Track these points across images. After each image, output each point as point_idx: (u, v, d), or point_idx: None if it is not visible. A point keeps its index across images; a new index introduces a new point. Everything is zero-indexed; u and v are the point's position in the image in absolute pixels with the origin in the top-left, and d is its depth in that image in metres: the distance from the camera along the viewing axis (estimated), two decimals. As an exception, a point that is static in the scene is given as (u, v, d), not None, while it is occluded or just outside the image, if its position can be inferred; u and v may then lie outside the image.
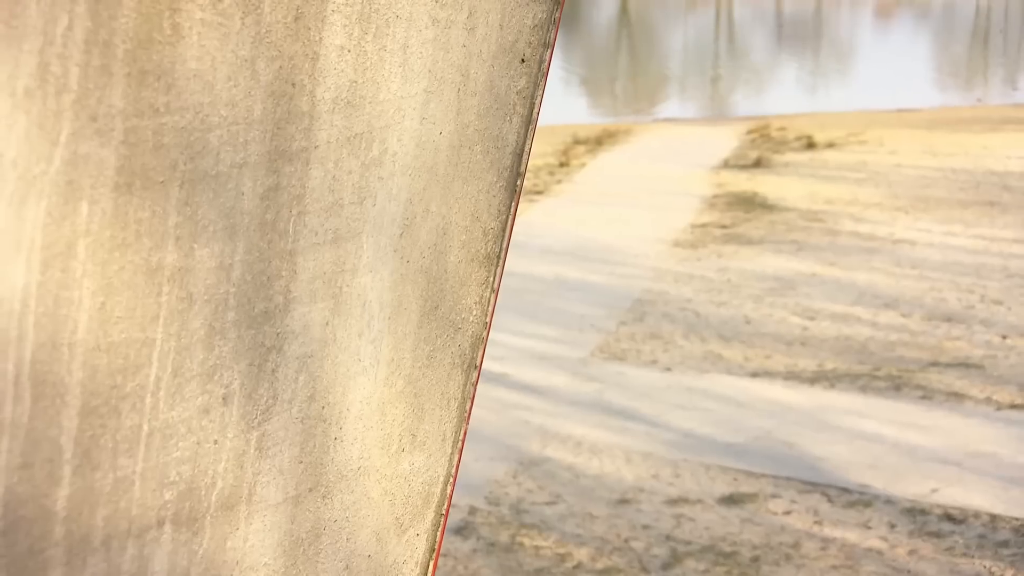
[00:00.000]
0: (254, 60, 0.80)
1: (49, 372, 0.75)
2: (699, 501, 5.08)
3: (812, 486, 5.20)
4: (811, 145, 14.70)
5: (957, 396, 6.18)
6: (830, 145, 14.66)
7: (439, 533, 1.08)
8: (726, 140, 15.71)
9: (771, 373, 6.71)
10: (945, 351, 6.99)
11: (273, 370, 0.89)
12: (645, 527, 4.81)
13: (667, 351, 7.18)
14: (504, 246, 1.03)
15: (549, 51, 1.03)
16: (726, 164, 13.74)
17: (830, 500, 5.08)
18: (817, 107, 20.59)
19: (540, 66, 1.02)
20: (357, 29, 0.86)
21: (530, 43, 1.01)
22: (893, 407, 6.00)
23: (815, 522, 4.90)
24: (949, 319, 7.58)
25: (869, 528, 4.84)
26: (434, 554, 1.08)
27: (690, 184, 12.51)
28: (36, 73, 0.70)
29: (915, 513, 4.95)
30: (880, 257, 9.23)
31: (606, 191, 12.28)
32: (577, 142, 14.97)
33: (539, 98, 1.03)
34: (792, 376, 6.64)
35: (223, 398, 0.85)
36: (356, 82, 0.87)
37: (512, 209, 1.04)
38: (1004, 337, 7.20)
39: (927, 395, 6.18)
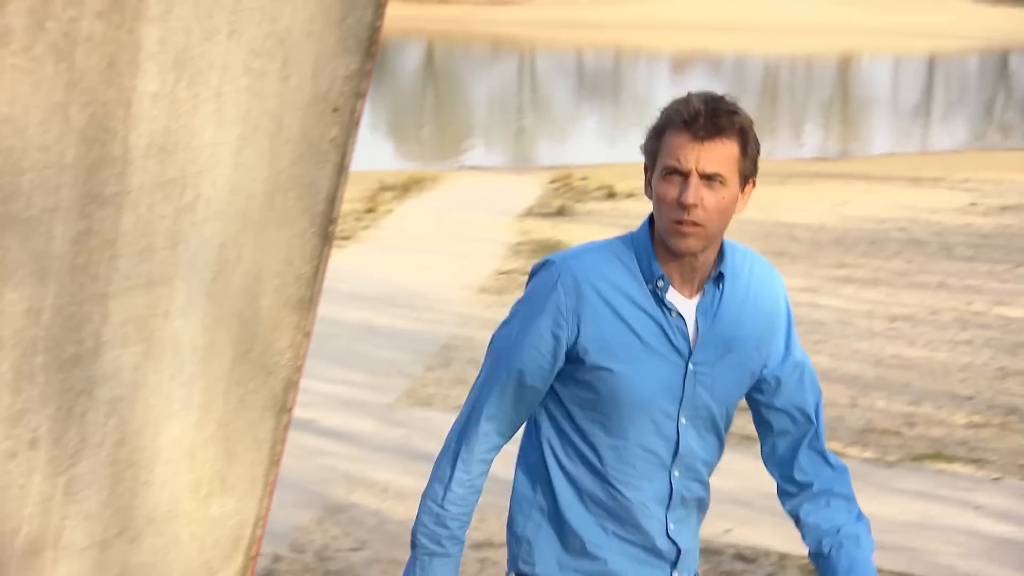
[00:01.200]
0: (67, 105, 0.80)
1: None
2: (503, 545, 5.11)
3: (613, 527, 5.29)
4: (612, 195, 15.05)
5: (750, 439, 6.39)
6: (630, 195, 15.03)
7: (249, 576, 1.08)
8: (530, 188, 15.95)
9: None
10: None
11: (82, 414, 0.88)
12: (451, 571, 4.81)
13: (473, 396, 7.23)
14: (316, 290, 1.05)
15: (361, 100, 1.05)
16: (530, 212, 13.95)
17: (631, 541, 5.18)
18: (617, 158, 21.10)
19: (352, 115, 1.05)
20: (171, 76, 0.87)
21: (343, 92, 1.03)
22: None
23: (616, 562, 4.98)
24: (742, 364, 7.85)
25: (668, 567, 4.95)
26: (243, 598, 1.08)
27: (495, 231, 12.66)
28: None
29: (709, 553, 5.09)
30: (678, 304, 9.50)
31: (413, 237, 12.32)
32: (384, 188, 14.98)
33: (351, 146, 1.05)
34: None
35: (30, 442, 0.84)
36: (170, 128, 0.88)
37: (324, 254, 1.05)
38: (793, 381, 7.49)
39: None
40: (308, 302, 1.04)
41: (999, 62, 48.46)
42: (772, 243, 11.87)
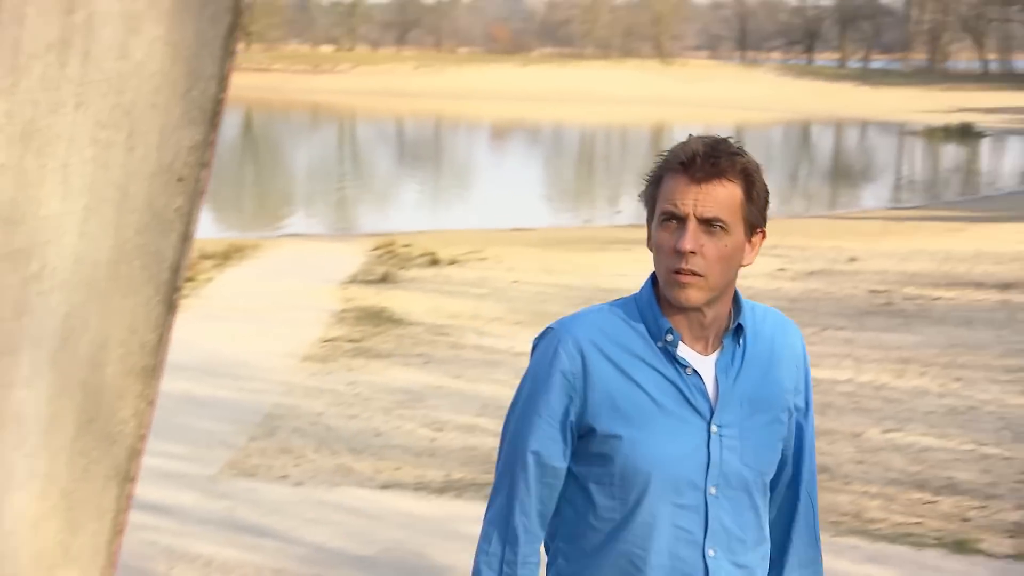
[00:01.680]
0: (-86, 175, 0.80)
1: None
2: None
3: (443, 594, 5.29)
4: (435, 261, 15.15)
5: (575, 500, 6.48)
6: (453, 262, 15.15)
7: (91, 649, 1.07)
8: (353, 256, 15.94)
9: (401, 485, 6.81)
10: (563, 458, 7.32)
11: (-76, 487, 0.87)
12: (278, 645, 4.73)
13: (298, 465, 7.15)
14: (161, 359, 1.06)
15: (206, 170, 1.07)
16: (354, 279, 13.93)
17: (460, 607, 5.19)
18: (439, 225, 21.28)
19: (197, 184, 1.06)
20: (18, 148, 0.88)
21: (187, 163, 1.05)
22: (517, 513, 6.22)
23: (446, 629, 4.98)
24: (566, 427, 7.96)
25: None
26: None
27: (318, 299, 12.59)
28: None
29: None
30: (502, 369, 9.59)
31: (234, 306, 12.15)
32: (203, 256, 14.76)
33: (196, 215, 1.07)
34: (421, 487, 6.76)
35: None
36: (16, 199, 0.89)
37: (169, 323, 1.06)
38: (616, 443, 7.63)
39: (548, 500, 6.45)
40: (152, 370, 1.04)
41: (802, 133, 50.67)
42: (593, 308, 12.10)
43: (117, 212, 0.99)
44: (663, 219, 2.10)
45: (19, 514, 0.97)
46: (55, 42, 0.89)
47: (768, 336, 2.22)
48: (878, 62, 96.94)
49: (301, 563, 5.57)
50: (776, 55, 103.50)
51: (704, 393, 2.13)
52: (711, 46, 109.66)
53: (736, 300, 2.19)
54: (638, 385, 2.13)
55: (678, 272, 2.07)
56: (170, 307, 1.07)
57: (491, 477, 7.04)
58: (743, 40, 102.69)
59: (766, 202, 2.16)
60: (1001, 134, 45.36)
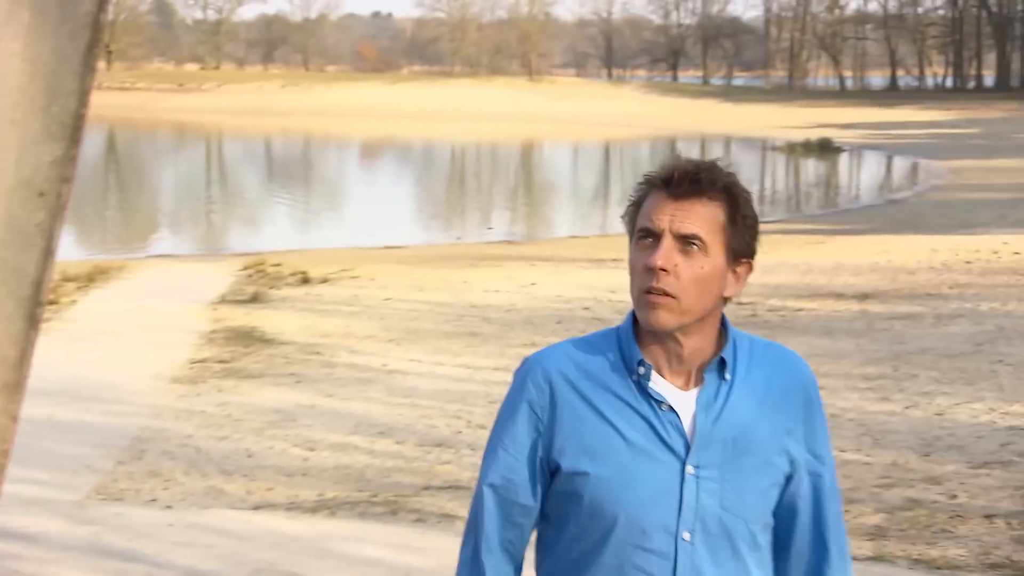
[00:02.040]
0: None
1: None
2: None
3: (317, 613, 5.26)
4: (306, 280, 15.04)
5: (449, 517, 6.50)
6: (324, 280, 15.06)
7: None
8: (222, 276, 15.73)
9: (274, 505, 6.75)
10: (437, 475, 7.34)
11: None
12: (149, 671, 4.65)
13: (167, 488, 7.03)
14: (24, 375, 1.05)
15: (67, 185, 1.07)
16: (223, 299, 13.76)
17: (335, 626, 5.16)
18: (309, 244, 21.13)
19: (59, 199, 1.07)
20: None
21: (48, 178, 1.05)
22: (391, 531, 6.22)
23: (321, 649, 4.95)
24: (440, 444, 7.98)
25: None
26: None
27: (187, 320, 12.40)
28: None
29: None
30: (375, 387, 9.57)
31: (100, 328, 11.90)
32: (66, 279, 14.42)
33: (58, 230, 1.07)
34: (294, 507, 6.71)
35: None
36: None
37: (32, 338, 1.06)
38: (489, 458, 7.66)
39: (422, 518, 6.46)
40: (15, 386, 1.04)
41: (668, 148, 51.54)
42: (466, 325, 12.14)
43: (-23, 227, 0.99)
44: (639, 236, 1.98)
45: None
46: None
47: (765, 372, 2.05)
48: (740, 79, 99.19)
49: (172, 587, 5.48)
50: (641, 72, 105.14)
51: (680, 431, 1.97)
52: (578, 64, 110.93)
53: (724, 332, 2.03)
54: (607, 420, 1.98)
55: (649, 292, 1.94)
56: (32, 322, 1.07)
57: (365, 495, 7.02)
58: (609, 58, 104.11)
59: (754, 232, 2.01)
60: (858, 149, 46.76)
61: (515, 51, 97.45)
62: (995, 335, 11.07)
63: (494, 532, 2.07)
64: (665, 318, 1.94)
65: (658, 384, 1.99)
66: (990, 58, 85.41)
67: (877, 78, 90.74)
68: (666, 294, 1.93)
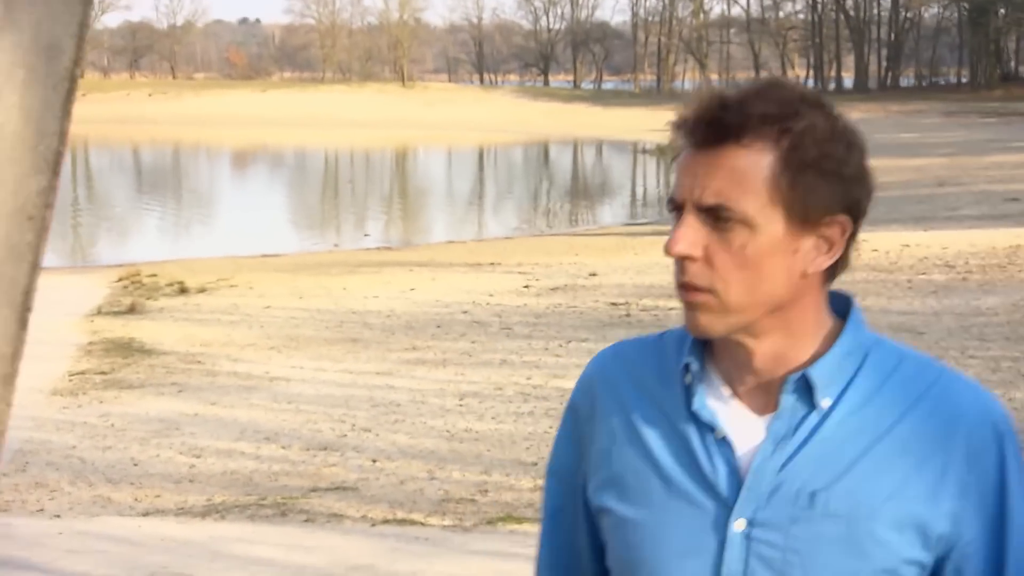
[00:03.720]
0: None
1: None
2: None
3: (212, 613, 5.43)
4: (184, 290, 15.04)
5: (337, 517, 6.71)
6: (202, 290, 15.07)
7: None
8: (96, 288, 15.63)
9: (163, 511, 6.87)
10: (324, 477, 7.53)
11: None
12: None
13: (54, 499, 7.11)
14: (15, 368, 1.28)
15: (50, 210, 1.30)
16: (99, 311, 13.71)
17: (230, 624, 5.34)
18: (184, 253, 20.99)
19: (44, 222, 1.29)
20: (-87, 196, 1.10)
21: (36, 204, 1.28)
22: (280, 532, 6.40)
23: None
24: (325, 448, 8.16)
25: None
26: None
27: (63, 332, 12.35)
28: None
29: None
30: (259, 394, 9.70)
31: (-27, 343, 11.79)
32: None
33: (43, 248, 1.29)
34: (183, 512, 6.84)
35: None
36: (-89, 237, 1.11)
37: (22, 337, 1.29)
38: (374, 461, 7.89)
39: (310, 518, 6.65)
40: (9, 377, 1.25)
41: (540, 153, 52.13)
42: (346, 331, 12.31)
43: (-18, 247, 1.21)
44: (670, 210, 1.44)
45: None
46: (-59, 112, 1.11)
47: (903, 402, 1.43)
48: (610, 83, 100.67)
49: (67, 593, 5.60)
50: (513, 77, 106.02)
51: (733, 469, 1.42)
52: (450, 69, 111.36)
53: (843, 335, 1.45)
54: (643, 443, 1.49)
55: (681, 287, 1.43)
56: (22, 324, 1.29)
57: (253, 498, 7.17)
58: (481, 63, 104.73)
59: (846, 173, 1.40)
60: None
61: (387, 57, 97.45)
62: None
63: (560, 538, 1.63)
64: (706, 322, 1.42)
65: (716, 402, 1.45)
66: (849, 60, 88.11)
67: (742, 80, 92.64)
68: (697, 288, 1.41)
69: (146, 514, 6.82)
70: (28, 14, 1.22)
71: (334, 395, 9.64)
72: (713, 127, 1.37)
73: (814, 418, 1.42)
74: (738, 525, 1.41)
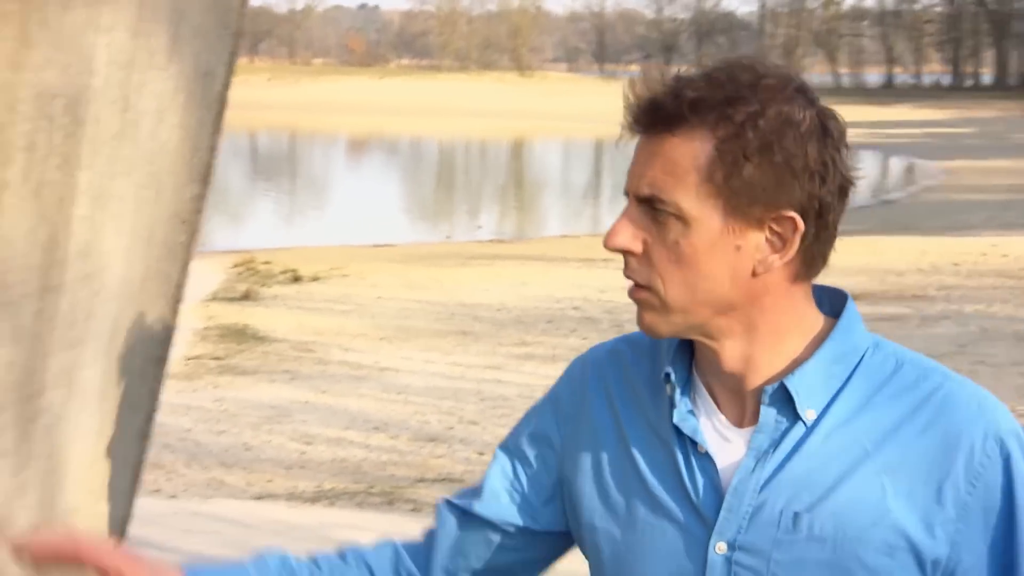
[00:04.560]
0: (35, 228, 1.26)
1: None
2: None
3: (319, 595, 5.71)
4: (297, 278, 15.45)
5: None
6: (315, 278, 15.47)
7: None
8: (212, 273, 16.11)
9: (274, 495, 7.20)
10: (431, 468, 7.79)
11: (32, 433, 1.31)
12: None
13: (170, 480, 7.47)
14: (168, 351, 1.51)
15: (200, 215, 1.53)
16: (215, 297, 14.17)
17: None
18: (297, 241, 21.47)
19: (195, 225, 1.53)
20: (94, 204, 1.33)
21: (189, 210, 1.51)
22: (387, 520, 6.67)
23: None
24: (433, 439, 8.43)
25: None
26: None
27: (180, 317, 12.80)
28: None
29: None
30: (368, 384, 10.01)
31: (93, 325, 12.31)
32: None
33: (194, 248, 1.53)
34: (294, 497, 7.16)
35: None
36: (90, 240, 1.34)
37: (174, 324, 1.52)
38: (481, 454, 8.13)
39: (417, 508, 6.91)
40: (163, 359, 1.49)
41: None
42: (457, 323, 12.59)
43: (147, 247, 1.44)
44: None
45: (80, 456, 1.42)
46: (118, 132, 1.34)
47: (889, 416, 1.35)
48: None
49: (182, 569, 5.93)
50: (634, 68, 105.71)
51: (715, 487, 1.36)
52: (569, 59, 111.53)
53: (830, 339, 1.37)
54: (630, 454, 1.43)
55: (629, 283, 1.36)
56: (174, 315, 1.53)
57: (362, 486, 7.49)
58: (601, 53, 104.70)
59: (793, 164, 1.30)
60: (854, 148, 47.08)
61: (505, 45, 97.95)
62: (978, 336, 11.56)
63: (441, 548, 1.56)
64: (649, 320, 1.35)
65: (701, 414, 1.39)
66: (989, 55, 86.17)
67: (873, 75, 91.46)
68: (638, 285, 1.36)
69: (258, 498, 7.15)
70: (190, 46, 1.45)
71: (442, 387, 9.91)
72: (651, 113, 1.32)
73: (798, 431, 1.33)
74: (719, 549, 1.34)
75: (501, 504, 1.48)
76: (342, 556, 1.58)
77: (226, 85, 1.53)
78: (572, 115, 62.30)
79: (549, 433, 1.48)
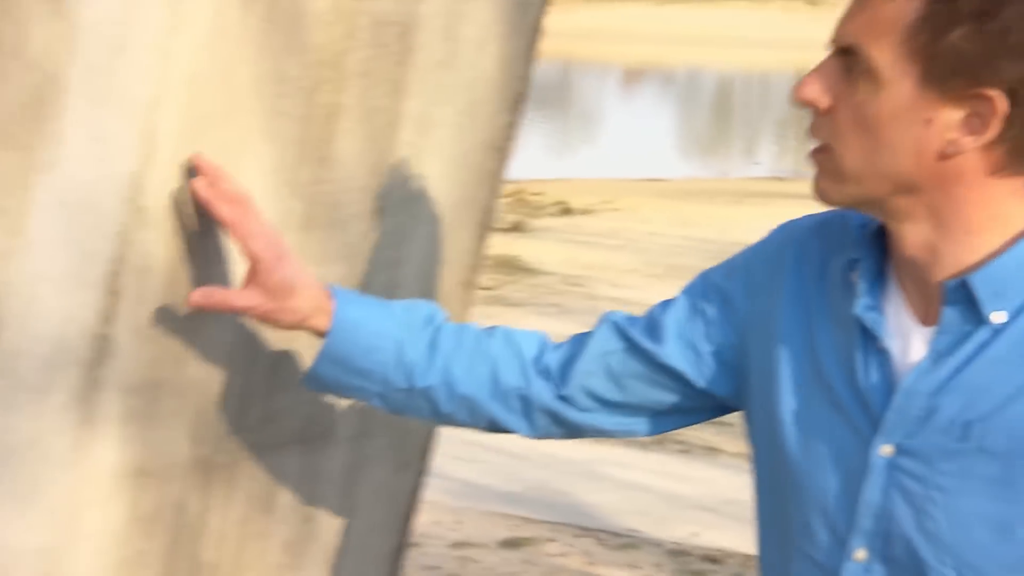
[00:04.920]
0: (365, 151, 1.37)
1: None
2: (482, 545, 5.66)
3: (585, 531, 5.86)
4: (567, 211, 15.66)
5: (713, 450, 7.00)
6: (585, 211, 15.64)
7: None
8: (483, 203, 16.53)
9: (542, 428, 7.39)
10: (701, 409, 7.84)
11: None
12: (430, 568, 5.36)
13: (440, 407, 7.77)
14: (477, 275, 1.61)
15: (511, 142, 1.62)
16: (485, 227, 14.52)
17: (601, 543, 5.75)
18: (568, 173, 21.70)
19: (505, 153, 1.61)
20: (421, 133, 1.44)
21: (501, 137, 1.60)
22: (656, 459, 6.76)
23: (588, 563, 5.55)
24: (703, 380, 8.46)
25: (637, 568, 5.53)
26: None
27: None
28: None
29: (678, 554, 5.68)
30: (638, 321, 10.10)
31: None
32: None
33: (502, 175, 1.62)
34: (561, 431, 7.33)
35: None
36: (413, 166, 1.45)
37: (482, 250, 1.62)
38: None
39: (686, 449, 6.98)
40: (471, 283, 1.59)
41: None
42: (730, 263, 12.52)
43: (460, 173, 1.54)
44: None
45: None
46: (441, 60, 1.44)
47: None
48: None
49: (454, 497, 6.19)
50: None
51: (887, 385, 1.30)
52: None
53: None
54: (811, 334, 1.37)
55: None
56: (483, 240, 1.63)
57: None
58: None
59: (1009, 38, 1.19)
60: None
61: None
62: None
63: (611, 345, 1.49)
64: (823, 186, 1.31)
65: (887, 306, 1.32)
66: None
67: None
68: (818, 149, 1.31)
69: (526, 430, 7.36)
70: (509, -23, 1.53)
71: (715, 328, 9.90)
72: None
73: (983, 334, 1.25)
74: (884, 451, 1.28)
75: (668, 345, 1.44)
76: (490, 332, 1.53)
77: (541, 14, 1.60)
78: (861, 47, 60.27)
79: (735, 297, 1.43)
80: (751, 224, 14.90)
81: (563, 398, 1.45)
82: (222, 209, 1.28)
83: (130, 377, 1.21)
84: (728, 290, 1.44)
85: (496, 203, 1.61)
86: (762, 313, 1.39)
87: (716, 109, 39.77)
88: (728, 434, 7.28)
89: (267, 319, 1.33)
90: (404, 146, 1.40)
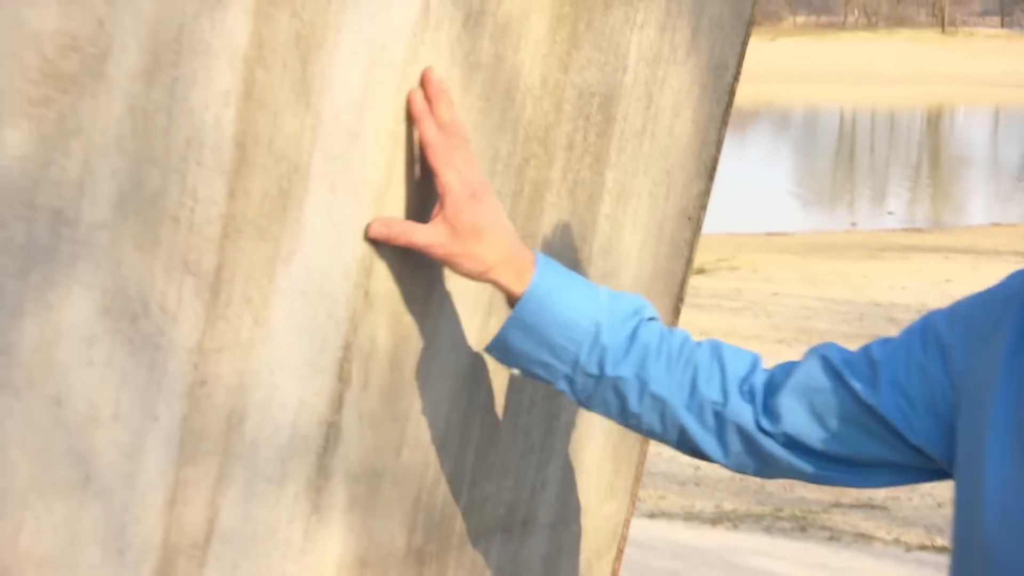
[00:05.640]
0: (568, 226, 1.47)
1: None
2: None
3: (725, 628, 5.88)
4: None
5: (864, 537, 6.99)
6: (701, 271, 15.66)
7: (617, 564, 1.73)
8: (587, 263, 16.61)
9: (669, 514, 7.43)
10: (846, 492, 7.82)
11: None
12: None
13: (554, 491, 7.84)
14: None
15: (703, 211, 1.71)
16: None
17: (744, 642, 5.77)
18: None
19: (699, 222, 1.71)
20: (617, 203, 1.54)
21: (695, 206, 1.69)
22: (801, 548, 6.77)
23: (730, 664, 5.57)
24: (846, 458, 8.44)
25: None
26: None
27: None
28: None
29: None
30: (769, 393, 10.10)
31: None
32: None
33: (695, 245, 1.71)
34: (691, 517, 7.37)
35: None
36: (612, 237, 1.55)
37: (677, 322, 1.71)
38: (904, 477, 8.08)
39: (834, 536, 6.97)
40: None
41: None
42: (868, 326, 12.46)
43: (656, 243, 1.63)
44: None
45: (592, 458, 1.62)
46: (639, 129, 1.54)
47: None
48: None
49: (574, 589, 6.25)
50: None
51: None
52: (1003, 12, 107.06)
53: None
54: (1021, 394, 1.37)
55: None
56: (676, 313, 1.71)
57: (768, 508, 7.58)
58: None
59: None
60: None
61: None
62: None
63: (814, 385, 1.50)
64: None
65: None
66: None
67: None
68: None
69: (651, 516, 7.40)
70: (707, 39, 1.62)
71: (856, 400, 9.87)
72: None
73: None
74: None
75: (881, 391, 1.43)
76: (701, 341, 1.49)
77: (736, 77, 1.69)
78: (1005, 79, 59.88)
79: (955, 349, 1.43)
80: (891, 281, 14.82)
81: (761, 426, 1.46)
82: (429, 129, 1.33)
83: (354, 465, 1.31)
84: (948, 341, 1.44)
85: (689, 274, 1.70)
86: (979, 371, 1.39)
87: (839, 153, 39.56)
88: (881, 518, 7.27)
89: (448, 262, 1.37)
90: (604, 219, 1.49)
